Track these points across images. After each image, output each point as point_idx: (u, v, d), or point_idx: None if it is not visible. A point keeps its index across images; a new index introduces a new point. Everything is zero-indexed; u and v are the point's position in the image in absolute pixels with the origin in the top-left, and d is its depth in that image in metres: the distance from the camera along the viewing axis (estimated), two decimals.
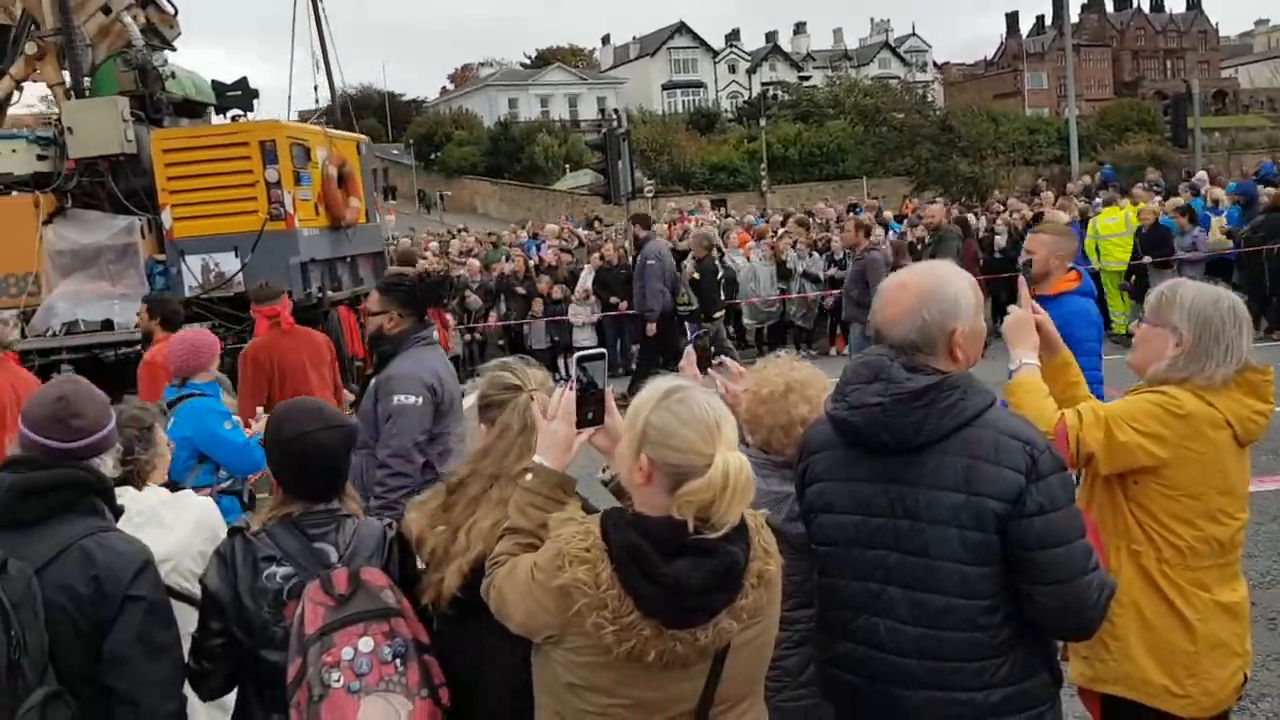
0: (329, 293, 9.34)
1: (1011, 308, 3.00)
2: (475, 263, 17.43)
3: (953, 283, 2.45)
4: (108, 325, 8.65)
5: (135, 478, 3.25)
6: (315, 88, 13.35)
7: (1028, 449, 2.31)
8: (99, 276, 8.89)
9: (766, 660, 2.21)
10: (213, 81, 11.05)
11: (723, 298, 14.11)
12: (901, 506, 2.40)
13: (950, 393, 2.36)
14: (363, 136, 11.62)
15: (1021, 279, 3.29)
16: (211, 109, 10.74)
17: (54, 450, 2.54)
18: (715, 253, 14.58)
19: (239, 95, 10.36)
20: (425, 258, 19.51)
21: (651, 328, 12.53)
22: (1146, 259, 13.54)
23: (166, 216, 8.82)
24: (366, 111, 75.47)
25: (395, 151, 67.90)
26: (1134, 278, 13.80)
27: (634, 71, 73.00)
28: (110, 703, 2.43)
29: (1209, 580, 2.81)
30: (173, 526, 3.09)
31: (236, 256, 8.68)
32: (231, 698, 2.71)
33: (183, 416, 4.74)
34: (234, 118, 9.95)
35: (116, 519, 2.64)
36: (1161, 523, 2.80)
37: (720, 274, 14.13)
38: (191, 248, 8.81)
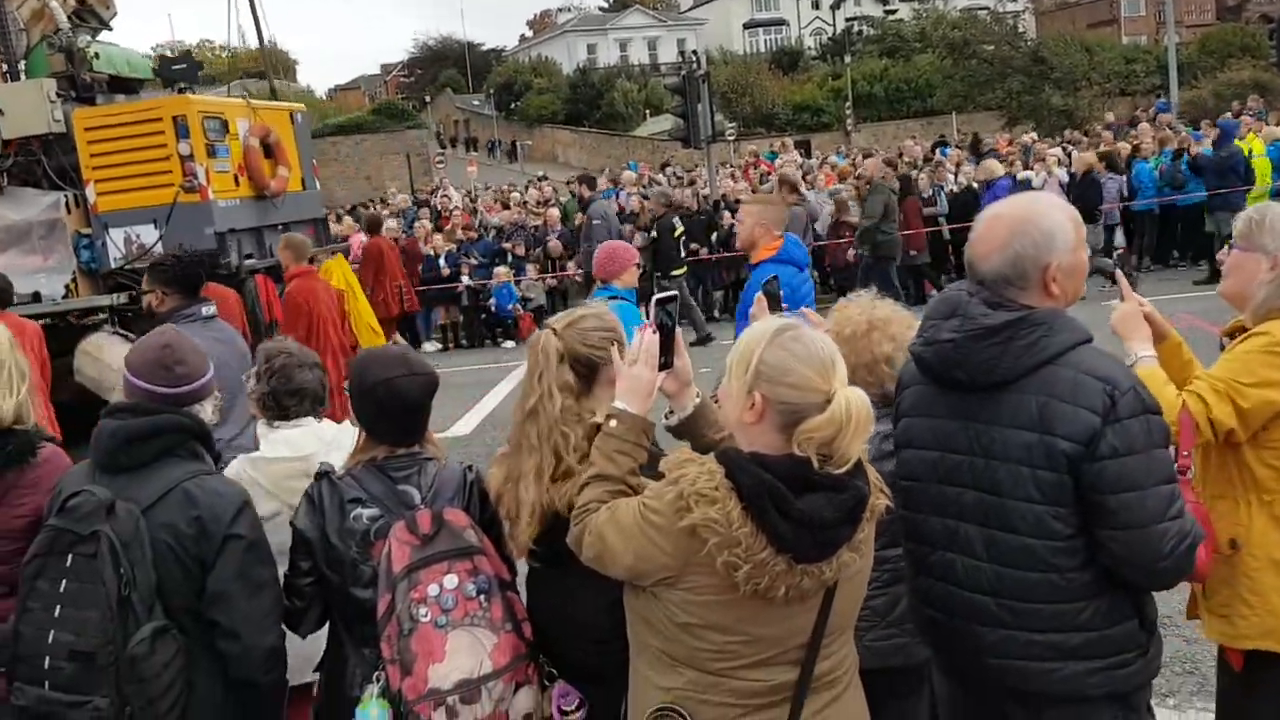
0: (250, 260, 9.71)
1: (1114, 303, 2.89)
2: (555, 212, 17.49)
3: (1049, 215, 2.37)
4: (36, 298, 9.09)
5: (316, 412, 3.36)
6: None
7: (1108, 389, 2.24)
8: (31, 251, 9.35)
9: (864, 591, 2.25)
10: (161, 56, 11.53)
11: (682, 255, 13.86)
12: (978, 444, 2.38)
13: (1032, 330, 2.30)
14: (298, 106, 11.94)
15: (1119, 273, 3.21)
16: (158, 83, 11.21)
17: (158, 396, 2.67)
18: (675, 210, 14.37)
19: (183, 69, 10.72)
20: (509, 207, 19.71)
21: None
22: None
23: (90, 191, 9.27)
24: (446, 63, 76.16)
25: (476, 102, 68.29)
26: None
27: (714, 11, 71.72)
28: (214, 636, 2.56)
29: None
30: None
31: (155, 228, 9.10)
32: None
33: None
34: (180, 90, 10.33)
35: (216, 463, 2.77)
36: None
37: (678, 232, 13.76)
38: (114, 221, 9.23)
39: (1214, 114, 21.86)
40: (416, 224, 16.99)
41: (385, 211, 22.08)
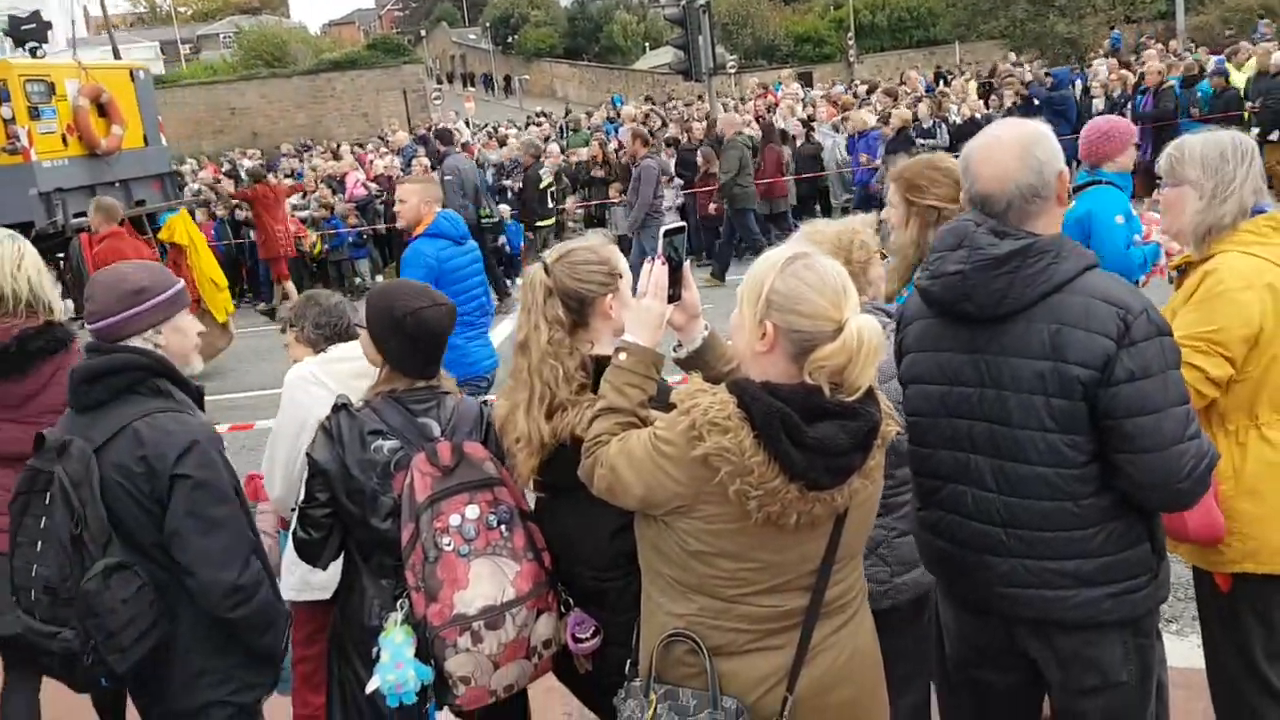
0: (76, 219, 9.92)
1: None
2: (555, 148, 17.35)
3: (1038, 129, 2.41)
4: None
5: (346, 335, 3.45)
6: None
7: (1120, 313, 2.23)
8: None
9: (874, 517, 2.27)
10: (9, 17, 11.54)
11: (551, 205, 13.81)
12: (989, 375, 2.38)
13: (1039, 257, 2.29)
14: (140, 64, 11.99)
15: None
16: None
17: (98, 334, 2.67)
18: (544, 160, 14.33)
19: (32, 28, 10.70)
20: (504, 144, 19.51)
21: None
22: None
23: None
24: None
25: (472, 36, 67.23)
26: None
27: None
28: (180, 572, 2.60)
29: None
30: None
31: None
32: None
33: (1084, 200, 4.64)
34: (32, 50, 10.32)
35: (197, 397, 2.75)
36: (1260, 384, 2.72)
37: (545, 183, 13.68)
38: None
39: (1223, 41, 21.55)
40: (414, 161, 16.82)
41: (385, 149, 21.92)
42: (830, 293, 2.02)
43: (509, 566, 2.52)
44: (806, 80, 36.15)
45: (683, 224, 2.43)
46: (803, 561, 2.11)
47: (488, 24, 62.89)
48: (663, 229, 2.31)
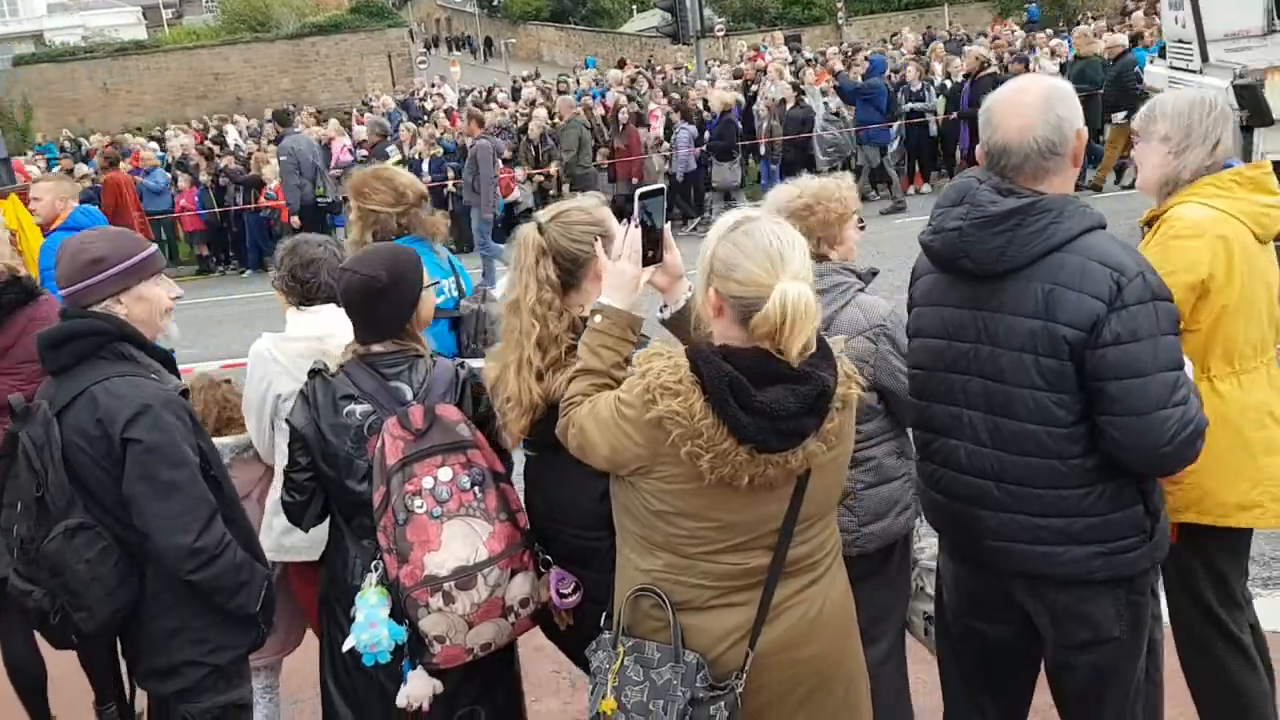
0: None
1: None
2: (543, 112, 17.24)
3: (1058, 85, 2.41)
4: None
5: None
6: None
7: (1114, 275, 2.23)
8: None
9: (844, 479, 2.28)
10: None
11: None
12: (985, 332, 2.40)
13: (1040, 216, 2.29)
14: None
15: None
16: None
17: (65, 300, 2.70)
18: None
19: None
20: (492, 109, 19.36)
21: (295, 221, 13.13)
22: None
23: None
24: None
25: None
26: None
27: None
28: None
29: (1257, 383, 2.79)
30: None
31: None
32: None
33: None
34: None
35: (165, 362, 2.77)
36: (1211, 336, 2.76)
37: (391, 160, 13.36)
38: None
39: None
40: (401, 128, 16.72)
41: (368, 115, 21.71)
42: (764, 259, 2.03)
43: (481, 527, 2.54)
44: (796, 42, 35.86)
45: (660, 186, 2.42)
46: (763, 522, 2.13)
47: None
48: (637, 191, 2.32)
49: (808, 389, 2.02)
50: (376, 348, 2.75)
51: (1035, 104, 2.34)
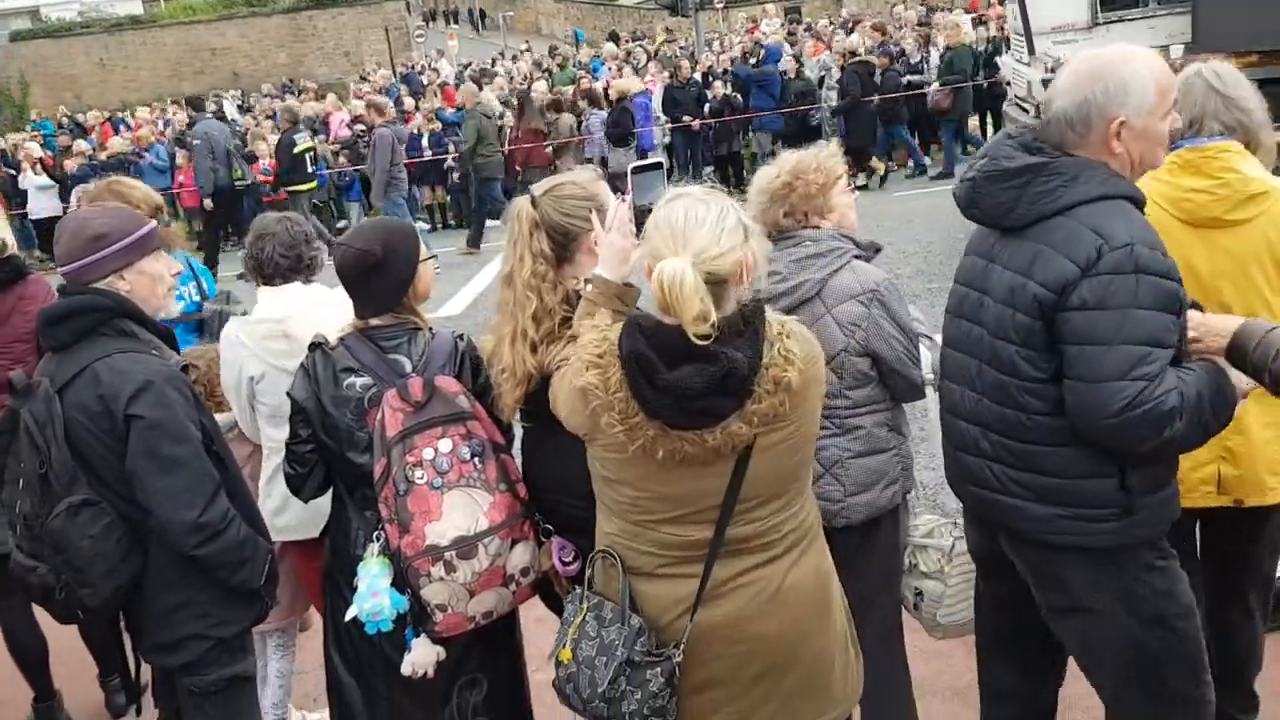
0: None
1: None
2: (542, 84, 17.16)
3: (1131, 68, 2.29)
4: None
5: (304, 277, 3.47)
6: None
7: (1099, 244, 2.21)
8: None
9: (800, 463, 2.21)
10: None
11: (310, 170, 13.71)
12: (990, 283, 2.44)
13: (1051, 178, 2.28)
14: None
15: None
16: None
17: (65, 277, 2.71)
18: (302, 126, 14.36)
19: None
20: (492, 83, 19.26)
21: (208, 203, 13.47)
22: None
23: None
24: None
25: None
26: None
27: None
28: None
29: None
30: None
31: None
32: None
33: None
34: None
35: (166, 338, 2.78)
36: None
37: (300, 148, 13.55)
38: None
39: None
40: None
41: (366, 88, 21.60)
42: (667, 234, 2.05)
43: (482, 498, 2.56)
44: (796, 13, 35.63)
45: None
46: (702, 496, 2.13)
47: None
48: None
49: (714, 369, 2.00)
50: (375, 321, 2.76)
51: (1082, 75, 2.31)
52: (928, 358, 2.99)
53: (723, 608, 2.17)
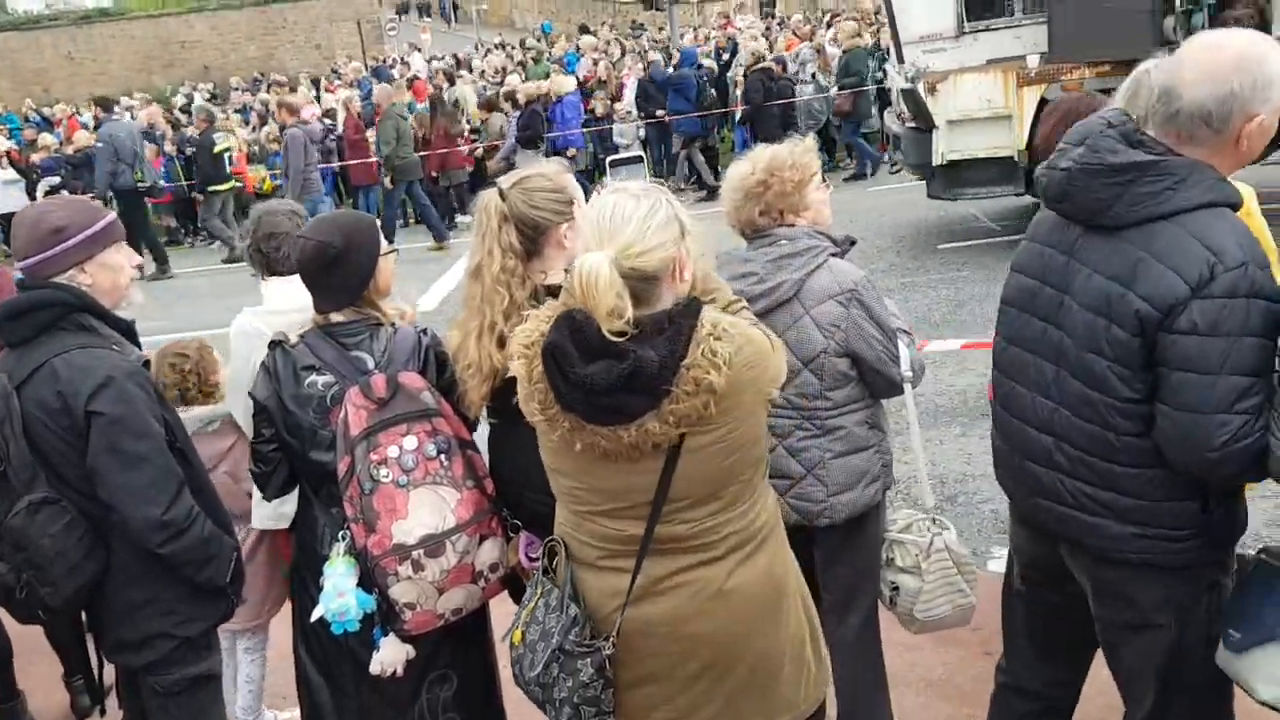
0: None
1: None
2: (516, 79, 17.08)
3: (1274, 59, 2.09)
4: None
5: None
6: None
7: (1211, 260, 2.03)
8: None
9: (737, 465, 2.12)
10: None
11: (226, 171, 13.74)
12: (1074, 282, 2.25)
13: (1160, 178, 2.10)
14: None
15: None
16: None
17: (23, 272, 2.66)
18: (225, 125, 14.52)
19: None
20: (464, 75, 19.16)
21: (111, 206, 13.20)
22: None
23: None
24: None
25: None
26: None
27: None
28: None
29: None
30: None
31: None
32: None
33: None
34: None
35: (127, 332, 2.73)
36: None
37: (218, 148, 13.48)
38: None
39: None
40: (375, 93, 16.48)
41: (338, 83, 21.45)
42: (593, 230, 2.04)
43: (450, 495, 2.54)
44: (771, 5, 35.67)
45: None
46: (631, 492, 2.10)
47: None
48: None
49: (623, 367, 1.97)
50: (336, 317, 2.73)
51: (1224, 65, 2.08)
52: (906, 354, 2.96)
53: (660, 605, 2.14)
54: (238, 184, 14.23)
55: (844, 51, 14.62)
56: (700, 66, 16.02)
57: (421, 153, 13.67)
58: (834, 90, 14.30)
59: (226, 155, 13.61)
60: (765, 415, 2.20)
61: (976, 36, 8.53)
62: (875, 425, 3.02)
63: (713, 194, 13.85)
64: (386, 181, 13.58)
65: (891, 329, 2.93)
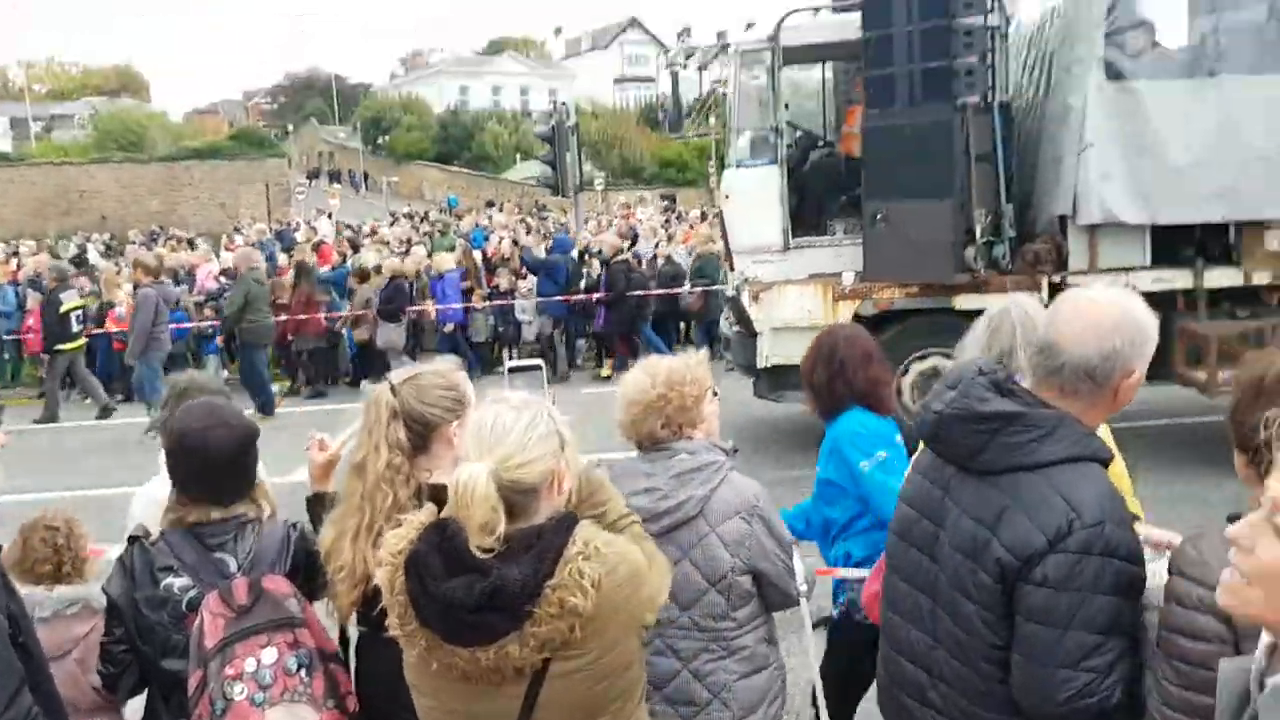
0: None
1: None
2: (420, 250, 17.22)
3: (1143, 317, 2.17)
4: None
5: None
6: None
7: (1071, 517, 2.05)
8: None
9: (607, 692, 2.03)
10: None
11: (76, 329, 13.48)
12: (947, 519, 2.26)
13: (1026, 430, 2.13)
14: None
15: None
16: None
17: None
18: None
19: None
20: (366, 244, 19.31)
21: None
22: None
23: None
24: (313, 93, 74.65)
25: (342, 134, 67.11)
26: None
27: (586, 64, 72.81)
28: None
29: None
30: None
31: None
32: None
33: None
34: None
35: None
36: None
37: (66, 306, 13.28)
38: None
39: None
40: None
41: (240, 239, 21.34)
42: (476, 440, 1.99)
43: (308, 714, 2.37)
44: (671, 200, 37.28)
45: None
46: (491, 716, 2.00)
47: (358, 123, 62.91)
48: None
49: (485, 584, 1.90)
50: (215, 514, 2.59)
51: (1106, 323, 2.14)
52: (800, 567, 2.93)
53: None
54: (85, 342, 13.75)
55: (697, 255, 15.29)
56: (577, 254, 16.46)
57: (280, 317, 13.57)
58: (686, 288, 14.80)
59: (74, 314, 13.21)
60: (639, 641, 2.12)
61: (802, 252, 9.05)
62: (772, 640, 2.95)
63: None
64: (219, 342, 13.59)
65: (788, 542, 2.91)
